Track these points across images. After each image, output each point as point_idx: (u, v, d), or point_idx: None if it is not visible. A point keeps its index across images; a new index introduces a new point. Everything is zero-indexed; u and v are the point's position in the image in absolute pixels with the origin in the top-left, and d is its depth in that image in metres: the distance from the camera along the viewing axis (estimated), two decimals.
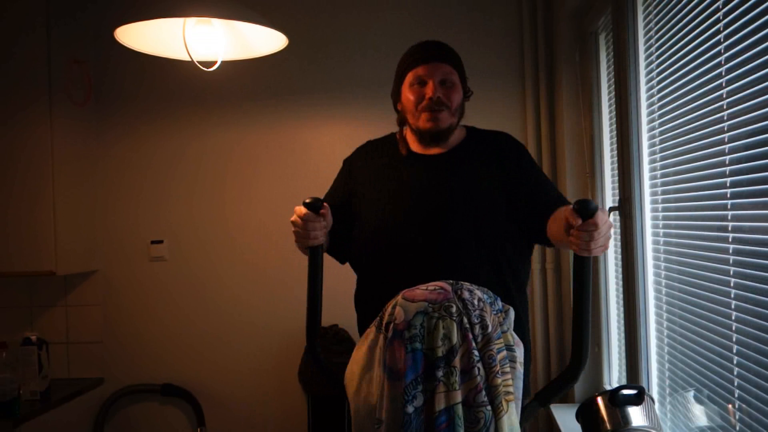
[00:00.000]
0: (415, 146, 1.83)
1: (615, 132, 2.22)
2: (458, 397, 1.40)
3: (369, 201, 1.80)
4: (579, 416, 1.70)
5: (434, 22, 2.95)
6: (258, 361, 3.00)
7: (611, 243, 2.42)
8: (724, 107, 1.39)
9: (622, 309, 2.16)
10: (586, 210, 1.34)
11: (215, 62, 2.07)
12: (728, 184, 1.39)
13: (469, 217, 1.71)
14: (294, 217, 1.62)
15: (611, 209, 2.20)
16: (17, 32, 2.70)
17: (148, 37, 2.04)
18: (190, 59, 1.97)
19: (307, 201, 1.60)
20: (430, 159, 1.80)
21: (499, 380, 1.43)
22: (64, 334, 3.02)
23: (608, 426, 1.58)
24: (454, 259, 1.68)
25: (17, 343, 2.63)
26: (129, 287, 3.04)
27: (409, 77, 1.78)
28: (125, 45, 2.01)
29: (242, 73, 2.76)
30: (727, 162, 1.40)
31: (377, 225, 1.76)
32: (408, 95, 1.77)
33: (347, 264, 1.91)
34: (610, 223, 1.43)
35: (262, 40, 2.11)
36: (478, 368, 1.42)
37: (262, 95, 3.02)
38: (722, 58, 1.40)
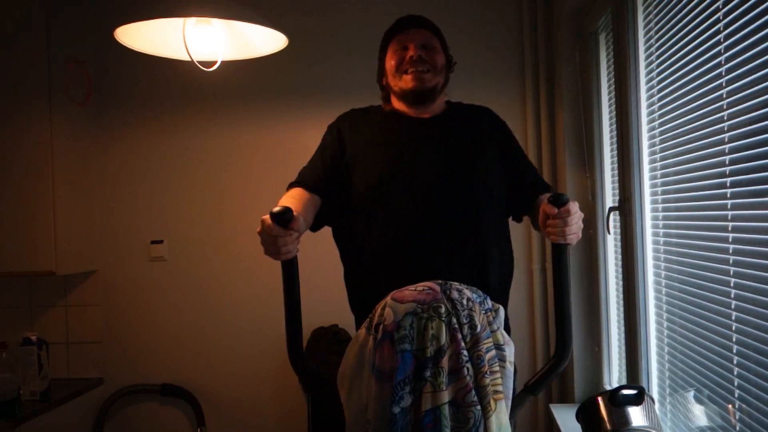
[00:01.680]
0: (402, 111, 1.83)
1: (615, 132, 2.22)
2: (445, 397, 1.40)
3: (364, 163, 1.76)
4: (579, 416, 1.70)
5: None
6: (258, 361, 3.00)
7: (611, 242, 2.43)
8: (724, 107, 1.39)
9: (622, 309, 2.16)
10: (560, 200, 1.50)
11: (215, 62, 2.07)
12: (728, 184, 1.39)
13: (467, 174, 1.72)
14: (260, 230, 1.48)
15: (611, 209, 2.21)
16: (17, 32, 2.69)
17: (148, 37, 2.04)
18: (190, 59, 1.97)
19: (275, 211, 1.44)
20: (421, 120, 1.80)
21: (488, 380, 1.43)
22: (63, 334, 3.02)
23: (608, 426, 1.59)
24: (452, 218, 1.68)
25: (17, 343, 2.63)
26: (129, 287, 3.04)
27: (391, 46, 1.81)
28: (125, 45, 2.01)
29: (242, 73, 2.76)
30: (727, 162, 1.40)
31: (377, 183, 1.71)
32: (390, 62, 1.80)
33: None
34: (581, 213, 1.54)
35: (262, 40, 2.11)
36: (467, 368, 1.42)
37: (262, 95, 3.02)
38: (722, 58, 1.40)
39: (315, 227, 1.80)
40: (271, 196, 2.98)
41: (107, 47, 2.69)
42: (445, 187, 1.70)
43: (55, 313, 3.02)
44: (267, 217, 1.46)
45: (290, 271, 1.52)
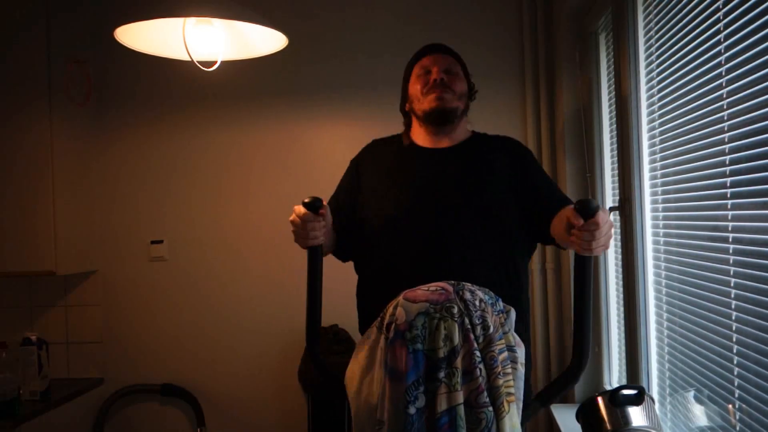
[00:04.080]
0: (422, 142, 1.85)
1: (615, 132, 2.22)
2: (460, 398, 1.39)
3: (376, 196, 1.81)
4: (579, 416, 1.70)
5: (434, 22, 2.95)
6: (258, 362, 3.00)
7: (611, 242, 2.42)
8: (724, 107, 1.39)
9: (622, 309, 2.16)
10: (588, 210, 1.35)
11: (215, 62, 2.07)
12: (728, 184, 1.39)
13: (478, 209, 1.72)
14: (293, 217, 1.62)
15: (611, 209, 2.20)
16: (17, 32, 2.69)
17: (148, 37, 2.04)
18: (190, 59, 1.97)
19: (306, 201, 1.59)
20: (438, 152, 1.82)
21: (501, 381, 1.43)
22: (64, 334, 3.02)
23: (608, 426, 1.58)
24: (459, 254, 1.68)
25: (17, 343, 2.63)
26: (129, 287, 3.04)
27: (415, 71, 1.85)
28: (125, 45, 2.01)
29: (242, 73, 2.76)
30: (727, 162, 1.39)
31: (386, 218, 1.76)
32: (415, 86, 1.83)
33: (348, 263, 1.90)
34: (611, 222, 1.44)
35: (262, 40, 2.11)
36: (480, 369, 1.42)
37: (262, 95, 3.02)
38: (722, 58, 1.40)
39: (344, 258, 1.89)
40: (271, 196, 3.01)
41: (107, 47, 2.68)
42: (449, 225, 1.70)
43: (55, 313, 3.02)
44: (299, 206, 1.59)
45: (315, 257, 1.65)
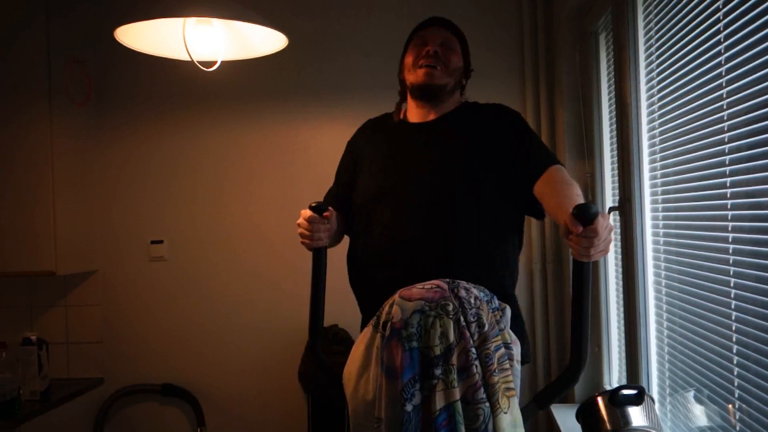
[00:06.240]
0: (412, 115, 1.86)
1: (615, 132, 2.22)
2: (457, 394, 1.40)
3: (362, 172, 1.85)
4: (579, 416, 1.70)
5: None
6: (258, 361, 3.00)
7: (611, 244, 2.42)
8: (724, 107, 1.39)
9: (622, 309, 2.16)
10: (586, 217, 1.29)
11: (215, 62, 2.07)
12: (728, 184, 1.39)
13: (452, 182, 1.72)
14: (300, 220, 1.70)
15: (611, 209, 2.20)
16: (16, 32, 2.70)
17: (148, 37, 2.04)
18: (190, 59, 1.97)
19: (313, 205, 1.69)
20: (419, 126, 1.83)
21: (496, 378, 1.43)
22: (63, 334, 3.02)
23: (608, 426, 1.58)
24: (436, 226, 1.68)
25: (17, 343, 2.63)
26: (129, 287, 3.04)
27: (412, 42, 1.85)
28: (125, 45, 2.01)
29: (242, 73, 2.76)
30: (727, 162, 1.39)
31: (365, 194, 1.79)
32: (409, 57, 1.83)
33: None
34: (611, 226, 1.37)
35: (262, 40, 2.11)
36: (476, 365, 1.42)
37: (262, 95, 3.02)
38: (722, 58, 1.40)
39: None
40: (271, 196, 3.01)
41: (107, 47, 2.69)
42: (432, 196, 1.71)
43: (55, 313, 3.02)
44: (305, 210, 1.69)
45: (319, 258, 1.73)
